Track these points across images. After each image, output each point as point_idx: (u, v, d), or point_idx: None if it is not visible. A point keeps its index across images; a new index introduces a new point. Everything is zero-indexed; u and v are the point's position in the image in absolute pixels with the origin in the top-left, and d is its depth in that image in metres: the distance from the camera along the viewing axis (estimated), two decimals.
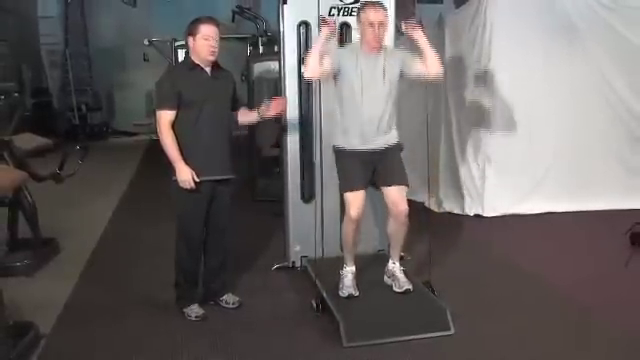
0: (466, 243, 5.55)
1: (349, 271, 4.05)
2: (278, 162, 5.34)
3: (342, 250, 4.16)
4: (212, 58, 3.78)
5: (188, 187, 3.72)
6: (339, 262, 4.12)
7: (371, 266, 4.32)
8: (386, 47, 3.97)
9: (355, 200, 3.87)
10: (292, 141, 4.67)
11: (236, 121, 4.07)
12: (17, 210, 5.09)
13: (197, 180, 3.72)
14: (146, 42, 11.14)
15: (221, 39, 3.81)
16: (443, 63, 3.96)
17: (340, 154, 3.97)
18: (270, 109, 4.02)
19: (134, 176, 9.24)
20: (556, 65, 6.25)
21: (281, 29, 4.59)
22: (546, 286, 4.41)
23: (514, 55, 6.15)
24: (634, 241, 5.13)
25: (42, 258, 5.05)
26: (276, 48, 5.37)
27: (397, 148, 3.97)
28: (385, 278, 4.14)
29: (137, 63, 13.18)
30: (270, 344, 3.60)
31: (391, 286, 4.06)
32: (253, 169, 7.37)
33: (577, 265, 4.83)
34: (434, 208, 6.46)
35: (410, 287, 3.98)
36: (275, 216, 5.27)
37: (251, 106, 4.32)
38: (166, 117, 3.72)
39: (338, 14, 4.49)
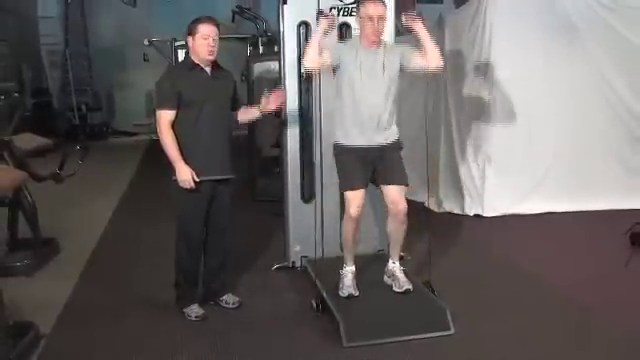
0: (466, 243, 5.55)
1: (349, 271, 4.05)
2: (278, 162, 5.33)
3: (342, 250, 4.16)
4: (211, 58, 3.78)
5: (188, 187, 3.72)
6: (339, 262, 4.12)
7: (371, 266, 4.32)
8: (385, 43, 3.97)
9: (355, 199, 3.87)
10: (292, 141, 4.67)
11: (236, 120, 4.07)
12: (17, 210, 5.09)
13: (197, 180, 3.72)
14: (146, 42, 11.15)
15: (221, 39, 3.82)
16: (443, 56, 3.96)
17: (340, 151, 3.96)
18: (270, 102, 4.02)
19: (134, 176, 9.25)
20: (556, 65, 6.25)
21: (281, 29, 4.59)
22: (546, 286, 4.41)
23: (514, 55, 6.15)
24: (634, 241, 5.13)
25: (42, 258, 5.05)
26: (276, 48, 5.37)
27: (397, 146, 3.97)
28: (385, 278, 4.14)
29: (137, 63, 13.20)
30: (270, 344, 3.60)
31: (391, 286, 4.06)
32: (253, 169, 7.37)
33: (577, 265, 4.83)
34: (434, 208, 6.46)
35: (410, 287, 3.98)
36: (275, 216, 5.27)
37: (251, 105, 4.32)
38: (166, 117, 3.72)
39: (338, 14, 4.49)
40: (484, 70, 6.21)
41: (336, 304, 3.82)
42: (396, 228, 4.00)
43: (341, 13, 4.53)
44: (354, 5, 4.43)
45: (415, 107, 5.41)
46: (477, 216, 6.33)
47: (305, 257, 4.66)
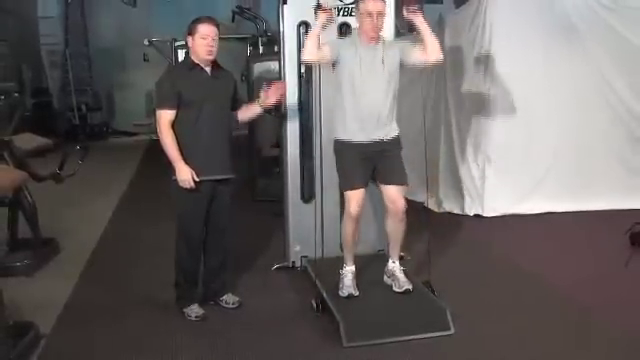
0: (466, 243, 5.55)
1: (349, 271, 4.05)
2: (278, 162, 5.33)
3: (342, 250, 4.16)
4: (210, 57, 3.78)
5: (188, 187, 3.72)
6: (339, 262, 4.12)
7: (371, 266, 4.33)
8: (384, 39, 3.97)
9: (355, 198, 3.87)
10: (292, 141, 4.67)
11: (237, 120, 4.07)
12: (17, 210, 5.09)
13: (197, 180, 3.72)
14: (146, 42, 11.13)
15: (221, 39, 3.82)
16: (443, 50, 3.96)
17: (340, 149, 3.96)
18: (270, 94, 4.02)
19: (134, 176, 9.24)
20: (556, 65, 6.25)
21: (281, 29, 4.59)
22: (546, 286, 4.41)
23: (514, 55, 6.15)
24: (634, 241, 5.13)
25: (42, 258, 5.05)
26: (276, 48, 5.37)
27: (397, 144, 3.97)
28: (385, 278, 4.14)
29: (137, 63, 13.18)
30: (270, 344, 3.60)
31: (391, 286, 4.06)
32: (253, 169, 7.37)
33: (577, 265, 4.83)
34: (434, 208, 6.46)
35: (410, 287, 3.98)
36: (275, 216, 5.27)
37: (251, 102, 4.31)
38: (166, 117, 3.72)
39: (338, 14, 4.49)
40: (484, 69, 6.21)
41: (336, 304, 3.82)
42: (395, 227, 4.01)
43: (341, 13, 4.52)
44: (354, 5, 4.43)
45: (415, 107, 5.41)
46: (477, 216, 6.33)
47: (305, 257, 4.66)
